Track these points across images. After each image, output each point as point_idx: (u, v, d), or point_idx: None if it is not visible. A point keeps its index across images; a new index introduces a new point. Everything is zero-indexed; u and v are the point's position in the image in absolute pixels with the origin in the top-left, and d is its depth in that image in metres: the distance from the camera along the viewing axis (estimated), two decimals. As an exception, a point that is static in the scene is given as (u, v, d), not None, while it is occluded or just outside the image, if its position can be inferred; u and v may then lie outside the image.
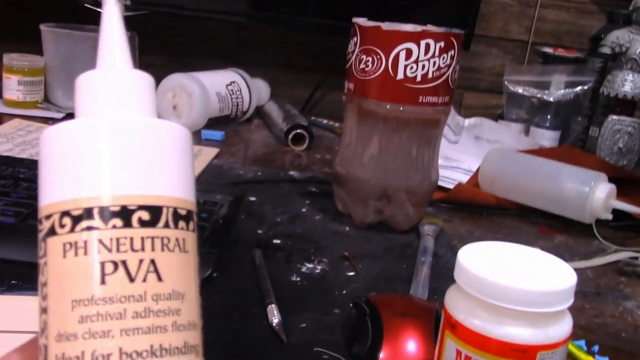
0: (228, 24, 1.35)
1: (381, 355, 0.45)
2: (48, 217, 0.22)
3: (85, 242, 0.21)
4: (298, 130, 1.08)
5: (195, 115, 1.04)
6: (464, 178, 0.97)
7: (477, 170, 0.93)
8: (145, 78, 0.25)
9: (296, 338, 0.51)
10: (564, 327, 0.35)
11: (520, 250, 0.39)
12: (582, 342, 0.55)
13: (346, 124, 0.74)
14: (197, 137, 1.07)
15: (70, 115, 1.08)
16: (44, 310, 0.22)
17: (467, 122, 1.10)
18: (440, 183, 0.92)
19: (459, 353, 0.36)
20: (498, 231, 0.82)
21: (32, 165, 0.74)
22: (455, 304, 0.37)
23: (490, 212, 0.88)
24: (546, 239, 0.81)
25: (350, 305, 0.56)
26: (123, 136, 0.23)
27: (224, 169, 0.92)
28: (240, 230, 0.70)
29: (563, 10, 1.40)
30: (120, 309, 0.21)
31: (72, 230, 0.22)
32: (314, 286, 0.60)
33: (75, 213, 0.22)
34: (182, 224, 0.23)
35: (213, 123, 1.10)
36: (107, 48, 0.25)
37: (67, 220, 0.22)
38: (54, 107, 1.10)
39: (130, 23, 0.28)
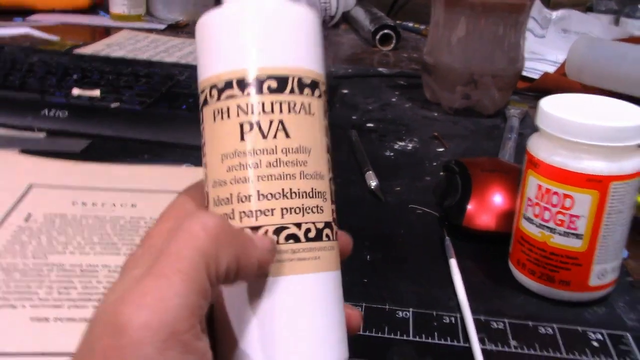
0: None
1: (469, 206, 0.50)
2: (202, 91, 0.28)
3: (228, 108, 0.27)
4: (385, 30, 1.11)
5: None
6: (551, 69, 0.98)
7: (565, 61, 0.94)
8: None
9: (392, 198, 0.57)
10: (636, 161, 0.40)
11: (598, 99, 0.43)
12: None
13: (434, 12, 0.77)
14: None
15: (171, 26, 1.16)
16: (205, 165, 0.28)
17: (555, 14, 1.10)
18: (526, 74, 0.94)
19: (539, 187, 0.41)
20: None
21: (147, 65, 0.82)
22: (537, 146, 0.42)
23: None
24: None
25: (441, 173, 0.61)
26: (249, 18, 0.27)
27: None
28: (336, 117, 0.76)
29: None
30: (256, 159, 0.26)
31: (218, 99, 0.27)
32: (406, 159, 0.66)
33: (220, 85, 0.27)
34: (307, 90, 0.27)
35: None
36: None
37: (214, 92, 0.27)
38: (156, 19, 1.18)
39: None
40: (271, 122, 0.26)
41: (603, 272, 0.42)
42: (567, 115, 0.39)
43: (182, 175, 0.58)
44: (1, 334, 0.37)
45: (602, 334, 0.40)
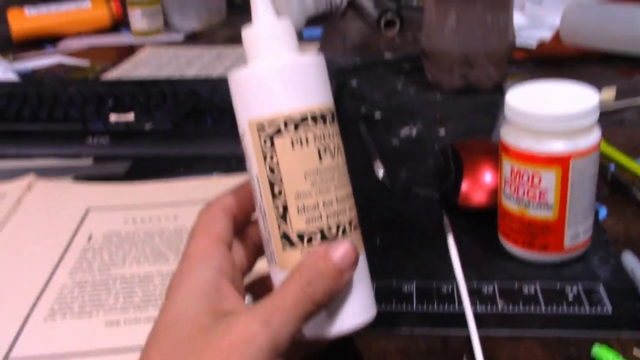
0: None
1: (463, 187, 0.58)
2: (271, 123, 0.35)
3: (307, 137, 0.36)
4: (388, 15, 1.17)
5: (294, 16, 1.17)
6: (549, 34, 1.03)
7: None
8: (289, 25, 0.38)
9: (398, 184, 0.65)
10: (591, 139, 0.46)
11: (557, 86, 0.49)
12: (643, 160, 0.65)
13: (425, 4, 0.84)
14: (299, 37, 1.19)
15: (189, 37, 1.24)
16: (278, 181, 0.36)
17: (549, -21, 1.14)
18: (524, 42, 1.00)
19: (512, 169, 0.48)
20: (580, 79, 0.89)
21: (172, 83, 0.91)
22: (506, 133, 0.49)
23: (572, 63, 0.95)
24: (625, 79, 0.88)
25: (440, 154, 0.69)
26: (313, 69, 0.37)
27: (327, 60, 1.04)
28: (347, 110, 0.83)
29: None
30: (332, 174, 0.36)
31: (296, 130, 0.36)
32: (411, 145, 0.73)
33: (296, 120, 0.35)
34: (335, 119, 0.38)
35: (311, 22, 1.22)
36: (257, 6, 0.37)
37: (290, 125, 0.35)
38: (174, 30, 1.26)
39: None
40: (334, 146, 0.37)
41: (576, 235, 0.49)
42: (527, 107, 0.46)
43: (214, 185, 0.66)
44: (83, 337, 0.46)
45: (577, 288, 0.47)
